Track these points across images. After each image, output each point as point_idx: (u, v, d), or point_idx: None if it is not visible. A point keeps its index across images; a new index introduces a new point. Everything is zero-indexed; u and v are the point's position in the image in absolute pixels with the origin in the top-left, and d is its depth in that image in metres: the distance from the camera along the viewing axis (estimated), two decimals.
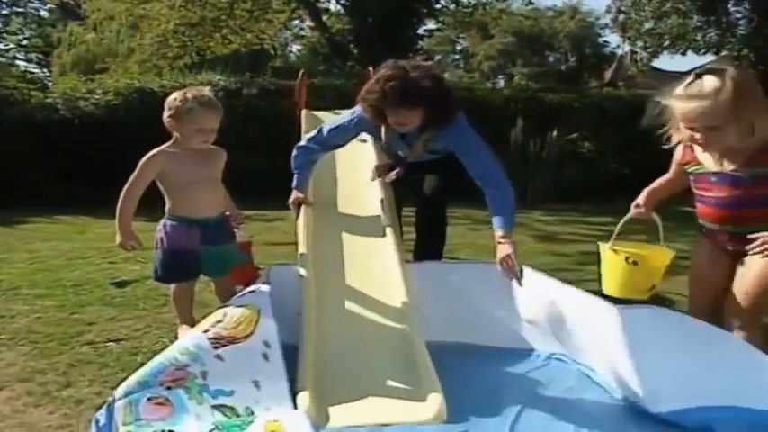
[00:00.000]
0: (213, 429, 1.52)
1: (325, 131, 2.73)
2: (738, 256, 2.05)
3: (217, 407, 1.65)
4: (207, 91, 2.34)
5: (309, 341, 1.96)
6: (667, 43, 13.23)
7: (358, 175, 2.99)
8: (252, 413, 1.64)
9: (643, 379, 1.81)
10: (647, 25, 13.48)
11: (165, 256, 2.30)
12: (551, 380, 2.08)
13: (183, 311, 2.39)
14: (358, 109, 2.63)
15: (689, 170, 2.12)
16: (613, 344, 1.88)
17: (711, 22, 12.36)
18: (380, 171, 2.94)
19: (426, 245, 2.87)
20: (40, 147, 6.80)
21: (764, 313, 2.04)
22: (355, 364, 1.96)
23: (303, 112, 3.49)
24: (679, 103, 1.94)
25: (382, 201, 2.78)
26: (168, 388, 1.65)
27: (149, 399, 1.62)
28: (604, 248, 2.15)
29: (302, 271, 2.26)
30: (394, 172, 2.92)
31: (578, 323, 2.09)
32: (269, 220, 5.80)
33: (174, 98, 2.25)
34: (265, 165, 6.96)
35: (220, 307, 1.95)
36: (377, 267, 2.41)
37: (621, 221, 2.17)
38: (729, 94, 1.83)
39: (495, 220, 2.34)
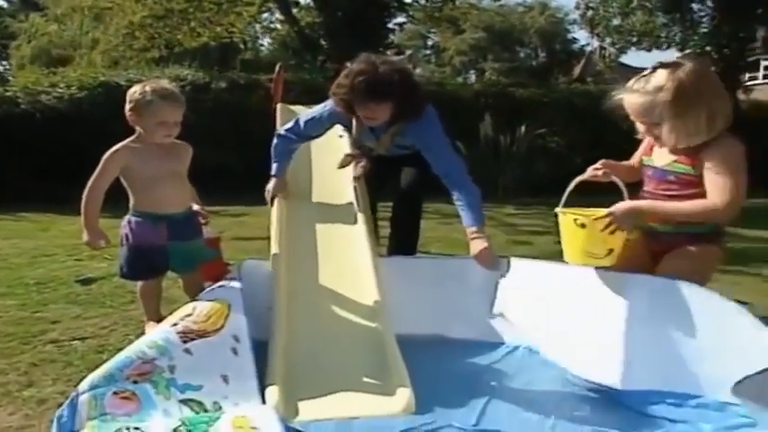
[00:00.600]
0: (180, 426, 1.50)
1: (301, 122, 2.76)
2: (656, 258, 2.08)
3: (184, 401, 1.62)
4: (168, 84, 2.30)
5: (279, 335, 1.95)
6: (634, 40, 13.49)
7: (333, 168, 2.98)
8: (220, 408, 1.62)
9: (610, 364, 1.85)
10: (615, 22, 13.73)
11: (131, 252, 2.26)
12: (519, 370, 2.10)
13: (151, 308, 2.36)
14: (330, 102, 2.65)
15: (642, 161, 2.17)
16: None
17: (676, 19, 12.65)
18: (347, 161, 2.95)
19: (400, 239, 2.88)
20: (1, 142, 6.61)
21: None
22: (325, 358, 1.96)
23: (279, 105, 3.45)
24: (626, 96, 2.00)
25: (356, 188, 2.78)
26: (135, 382, 1.62)
27: (115, 393, 1.58)
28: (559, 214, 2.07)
29: (273, 266, 2.25)
30: (360, 164, 2.92)
31: (554, 308, 2.13)
32: (238, 215, 5.74)
33: (134, 91, 2.22)
34: (235, 159, 6.90)
35: (190, 301, 1.93)
36: (349, 261, 2.40)
37: (574, 181, 2.11)
38: (669, 94, 1.85)
39: (465, 218, 2.38)
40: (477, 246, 2.29)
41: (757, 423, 1.61)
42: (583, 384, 1.96)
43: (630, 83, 1.99)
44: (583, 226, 1.97)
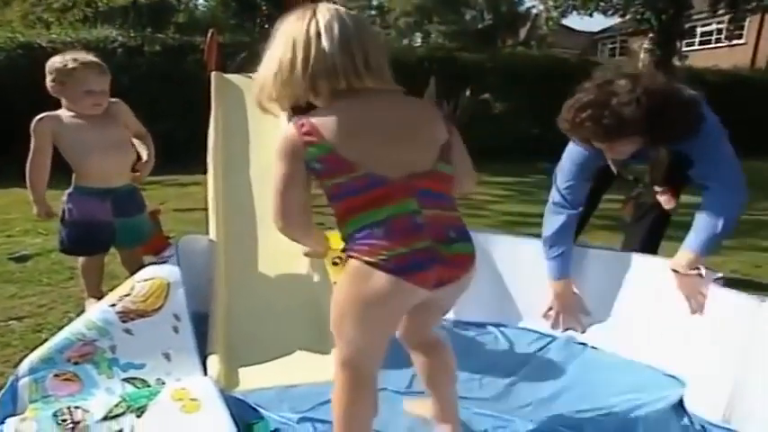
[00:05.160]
0: (121, 401, 1.54)
1: (558, 183, 2.22)
2: None
3: (127, 380, 1.67)
4: (87, 53, 2.24)
5: (219, 305, 2.00)
6: (577, 3, 13.70)
7: (272, 139, 2.95)
8: (163, 384, 1.67)
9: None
10: None
11: (76, 227, 2.24)
12: (459, 340, 2.15)
13: (92, 285, 2.34)
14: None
15: None
16: None
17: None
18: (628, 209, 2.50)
19: None
20: None
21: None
22: (265, 328, 2.02)
23: (213, 74, 3.37)
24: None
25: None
26: (75, 363, 1.65)
27: (56, 375, 1.61)
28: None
29: (212, 238, 2.26)
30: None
31: None
32: (181, 185, 5.64)
33: (54, 62, 2.16)
34: (174, 127, 6.70)
35: (123, 278, 1.94)
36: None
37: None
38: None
39: (688, 237, 1.97)
40: (683, 281, 1.92)
41: None
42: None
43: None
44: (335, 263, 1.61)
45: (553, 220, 2.18)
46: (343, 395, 1.30)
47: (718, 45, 18.89)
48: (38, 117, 2.16)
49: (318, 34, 1.20)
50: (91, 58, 2.20)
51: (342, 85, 1.22)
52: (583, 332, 2.18)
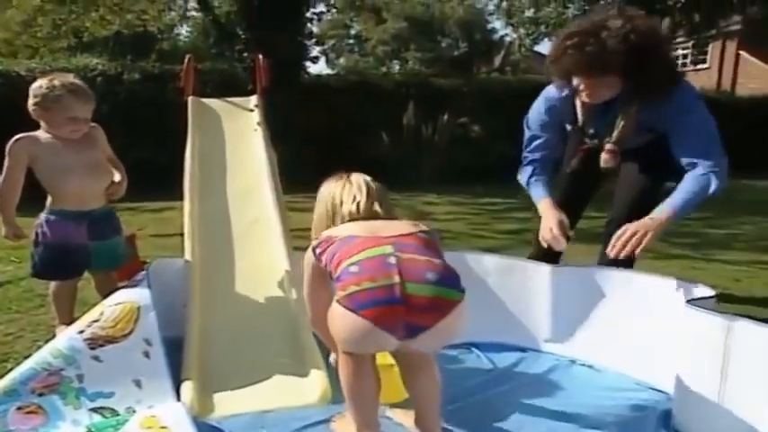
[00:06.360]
0: None
1: (527, 127, 2.37)
2: None
3: (95, 410, 1.59)
4: (74, 78, 2.23)
5: (194, 331, 1.95)
6: (547, 30, 14.07)
7: (248, 163, 2.93)
8: (134, 412, 1.60)
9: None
10: (528, 13, 14.25)
11: (49, 251, 2.19)
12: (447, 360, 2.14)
13: (64, 311, 2.28)
14: (544, 91, 2.27)
15: None
16: None
17: (587, 11, 13.25)
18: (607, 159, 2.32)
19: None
20: None
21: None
22: (241, 352, 1.96)
23: (190, 99, 3.36)
24: None
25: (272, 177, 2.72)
26: (40, 395, 1.58)
27: (19, 408, 1.54)
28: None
29: (187, 260, 2.22)
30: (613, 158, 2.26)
31: None
32: (159, 211, 5.57)
33: (40, 85, 2.14)
34: (154, 153, 6.65)
35: (96, 304, 1.87)
36: (264, 255, 2.40)
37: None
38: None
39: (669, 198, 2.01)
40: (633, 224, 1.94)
41: None
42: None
43: None
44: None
45: (523, 172, 2.36)
46: (348, 376, 1.41)
47: (684, 69, 19.55)
48: (15, 137, 2.13)
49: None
50: (78, 83, 2.19)
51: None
52: (567, 241, 2.19)
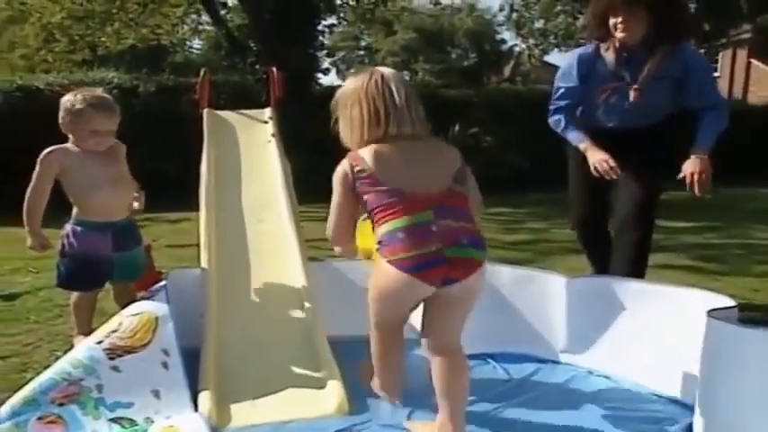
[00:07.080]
0: None
1: (557, 85, 2.64)
2: None
3: (114, 420, 1.61)
4: (101, 92, 2.29)
5: (211, 341, 1.96)
6: (556, 41, 14.09)
7: (263, 174, 2.96)
8: (152, 423, 1.61)
9: None
10: (538, 25, 14.29)
11: (75, 262, 2.21)
12: None
13: (83, 321, 2.29)
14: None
15: None
16: None
17: None
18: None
19: (629, 270, 2.43)
20: None
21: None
22: (258, 362, 1.96)
23: (205, 111, 3.40)
24: None
25: (287, 189, 2.74)
26: (60, 405, 1.59)
27: (39, 418, 1.55)
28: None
29: (203, 272, 2.23)
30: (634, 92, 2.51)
31: None
32: (175, 222, 5.61)
33: (67, 99, 2.21)
34: (168, 165, 6.72)
35: (114, 314, 1.89)
36: (280, 266, 2.41)
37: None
38: None
39: (698, 136, 2.39)
40: (689, 166, 2.33)
41: None
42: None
43: None
44: None
45: (555, 120, 2.63)
46: (377, 346, 1.71)
47: None
48: (48, 149, 2.19)
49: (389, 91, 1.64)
50: (101, 97, 2.24)
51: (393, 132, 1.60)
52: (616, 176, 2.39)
